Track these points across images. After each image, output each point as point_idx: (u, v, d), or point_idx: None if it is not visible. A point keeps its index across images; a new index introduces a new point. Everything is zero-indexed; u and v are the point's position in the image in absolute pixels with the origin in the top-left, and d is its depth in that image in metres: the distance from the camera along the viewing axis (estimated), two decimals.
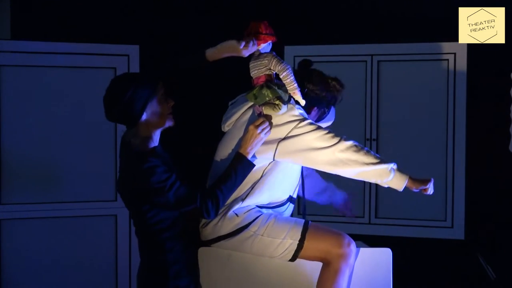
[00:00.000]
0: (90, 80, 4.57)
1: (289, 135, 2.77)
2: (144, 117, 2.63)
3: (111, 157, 4.60)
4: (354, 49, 4.84)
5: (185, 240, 2.75)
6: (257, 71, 2.82)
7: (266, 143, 2.78)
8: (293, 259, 2.83)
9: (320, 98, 2.98)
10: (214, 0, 5.05)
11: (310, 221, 2.87)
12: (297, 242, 2.79)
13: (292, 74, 2.77)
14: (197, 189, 2.68)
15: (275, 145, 2.78)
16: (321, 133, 2.76)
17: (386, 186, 2.81)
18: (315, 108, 3.00)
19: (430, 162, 4.72)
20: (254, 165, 2.76)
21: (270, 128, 2.77)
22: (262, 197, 2.86)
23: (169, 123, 2.71)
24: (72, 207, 4.54)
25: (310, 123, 2.79)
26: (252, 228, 2.81)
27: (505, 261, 4.52)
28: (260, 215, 2.84)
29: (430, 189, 2.83)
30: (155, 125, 2.68)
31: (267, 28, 2.80)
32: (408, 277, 4.37)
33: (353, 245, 2.81)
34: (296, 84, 2.77)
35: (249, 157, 2.75)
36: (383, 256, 2.95)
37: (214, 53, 2.80)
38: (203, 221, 2.87)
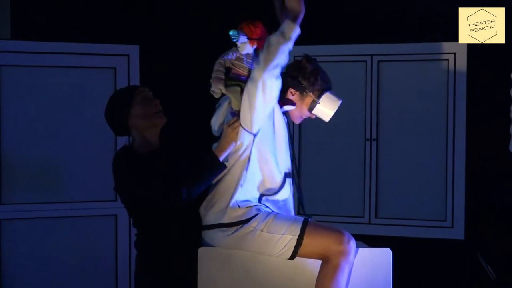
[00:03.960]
0: (90, 80, 4.57)
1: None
2: (130, 122, 2.78)
3: (111, 157, 4.55)
4: (354, 49, 4.84)
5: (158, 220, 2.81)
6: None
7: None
8: (292, 256, 2.84)
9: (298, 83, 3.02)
10: (214, 0, 5.05)
11: (309, 218, 2.89)
12: (297, 237, 2.81)
13: (215, 65, 2.92)
14: (170, 182, 2.71)
15: (241, 127, 2.85)
16: (245, 90, 2.84)
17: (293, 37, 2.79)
18: (297, 93, 3.03)
19: (430, 162, 4.72)
20: (225, 166, 2.83)
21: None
22: (256, 179, 2.90)
23: (159, 121, 2.82)
24: (72, 207, 4.54)
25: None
26: (252, 224, 2.84)
27: (505, 261, 4.52)
28: (260, 212, 2.87)
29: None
30: (144, 126, 2.80)
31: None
32: (408, 277, 4.37)
33: (352, 242, 2.82)
34: (213, 74, 2.91)
35: (222, 156, 2.82)
36: (383, 256, 2.95)
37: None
38: (208, 206, 2.89)
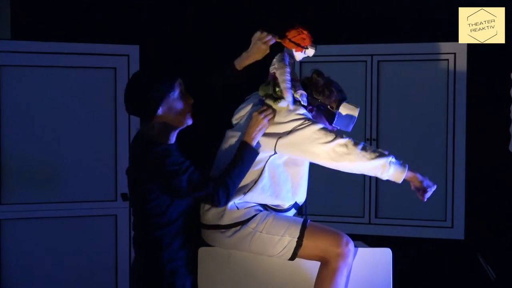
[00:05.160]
0: (90, 80, 4.57)
1: (290, 131, 2.81)
2: (159, 112, 2.65)
3: (111, 157, 4.61)
4: (354, 49, 4.84)
5: (183, 238, 2.76)
6: (271, 67, 2.94)
7: (267, 135, 2.83)
8: (292, 257, 2.83)
9: (317, 101, 2.99)
10: (214, 0, 5.05)
11: (309, 220, 2.88)
12: (296, 239, 2.81)
13: (286, 74, 2.83)
14: (210, 177, 2.72)
15: (275, 139, 2.82)
16: (318, 127, 2.80)
17: (385, 179, 2.83)
18: (314, 109, 3.01)
19: (430, 162, 4.71)
20: (258, 152, 2.81)
21: (274, 116, 2.83)
22: (264, 195, 2.87)
23: (187, 121, 2.72)
24: (72, 207, 4.54)
25: (312, 122, 2.82)
26: (251, 225, 2.83)
27: (505, 261, 4.52)
28: (259, 213, 2.86)
29: (428, 193, 2.84)
30: (172, 121, 2.69)
31: (296, 36, 2.92)
32: (408, 277, 4.37)
33: (351, 245, 2.82)
34: (286, 84, 2.81)
35: (254, 143, 2.79)
36: (383, 256, 2.95)
37: (241, 60, 2.92)
38: (207, 206, 2.87)
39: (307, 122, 2.80)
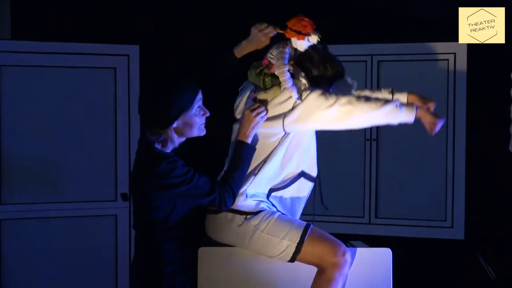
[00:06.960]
0: (90, 80, 4.57)
1: (293, 107, 2.81)
2: (174, 125, 2.68)
3: (111, 157, 4.61)
4: (354, 49, 4.84)
5: (182, 240, 2.77)
6: (269, 55, 2.91)
7: (272, 119, 2.84)
8: (291, 260, 2.83)
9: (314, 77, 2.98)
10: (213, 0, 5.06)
11: (312, 225, 2.86)
12: (295, 244, 2.79)
13: (286, 73, 2.81)
14: (215, 181, 2.75)
15: (281, 119, 2.82)
16: (317, 93, 2.81)
17: (397, 123, 2.80)
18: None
19: (430, 162, 4.71)
20: (255, 148, 2.83)
21: (266, 113, 2.84)
22: (273, 169, 2.87)
23: (199, 134, 2.76)
24: (72, 207, 4.55)
25: (310, 91, 2.82)
26: (253, 222, 2.82)
27: (505, 261, 4.52)
28: (263, 210, 2.85)
29: (438, 126, 2.79)
30: (184, 133, 2.72)
31: (296, 24, 2.90)
32: (408, 277, 4.37)
33: (348, 255, 2.80)
34: (288, 84, 2.79)
35: (249, 140, 2.81)
36: (383, 256, 2.95)
37: (241, 49, 2.92)
38: None
39: (305, 93, 2.81)
